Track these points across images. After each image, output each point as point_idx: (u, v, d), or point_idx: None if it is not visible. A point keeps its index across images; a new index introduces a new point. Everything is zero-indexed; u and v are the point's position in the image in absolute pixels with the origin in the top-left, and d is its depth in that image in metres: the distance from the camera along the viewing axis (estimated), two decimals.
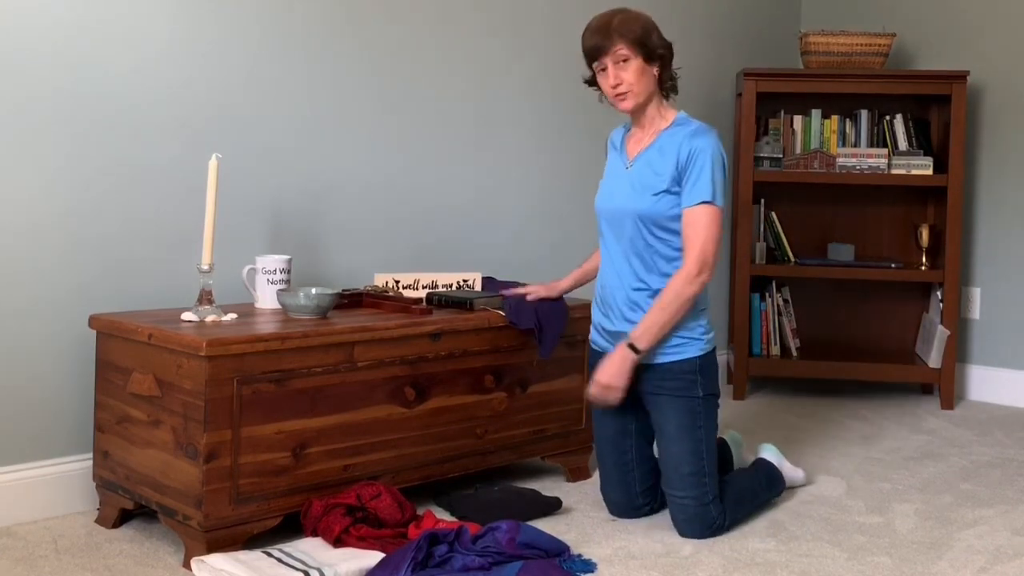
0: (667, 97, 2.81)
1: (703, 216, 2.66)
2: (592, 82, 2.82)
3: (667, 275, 2.71)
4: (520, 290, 3.03)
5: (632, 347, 2.67)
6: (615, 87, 2.71)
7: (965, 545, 2.68)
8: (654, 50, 2.71)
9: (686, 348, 2.72)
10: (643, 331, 2.67)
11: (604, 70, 2.72)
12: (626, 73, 2.69)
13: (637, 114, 2.78)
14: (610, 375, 2.68)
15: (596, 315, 2.88)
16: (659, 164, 2.71)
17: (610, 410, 2.81)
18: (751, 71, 4.30)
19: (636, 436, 2.84)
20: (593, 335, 2.91)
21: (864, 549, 2.64)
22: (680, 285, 2.66)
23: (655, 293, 2.71)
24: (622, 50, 2.68)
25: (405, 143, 3.48)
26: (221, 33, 3.00)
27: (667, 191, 2.69)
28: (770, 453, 3.07)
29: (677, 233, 2.71)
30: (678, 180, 2.69)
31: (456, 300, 2.97)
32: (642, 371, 2.74)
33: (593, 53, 2.72)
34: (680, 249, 2.71)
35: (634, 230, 2.72)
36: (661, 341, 2.70)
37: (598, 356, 2.85)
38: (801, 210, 4.62)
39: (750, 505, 2.84)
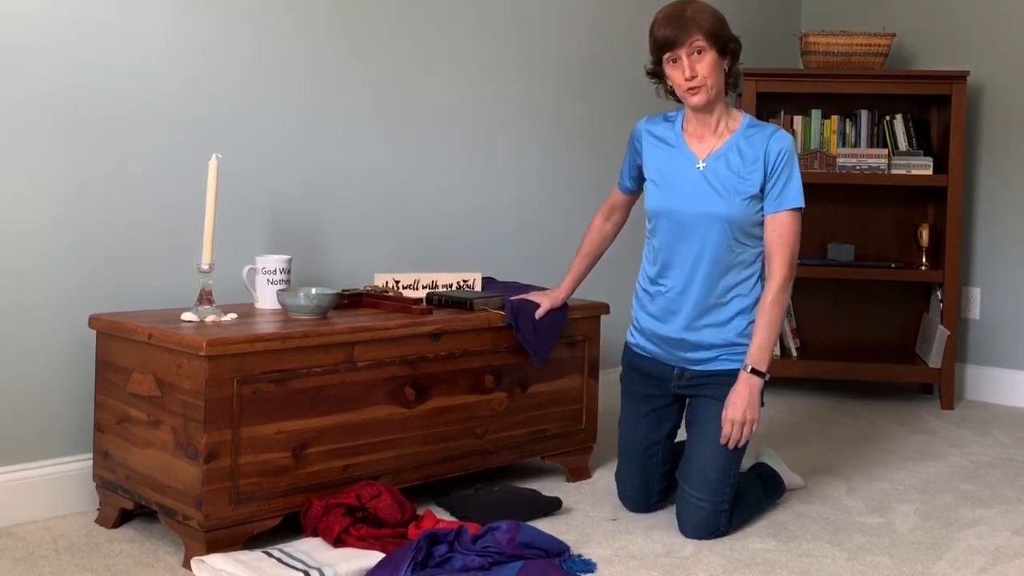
0: (728, 93, 2.74)
1: (793, 223, 2.64)
2: (655, 74, 2.73)
3: (738, 283, 2.68)
4: (529, 296, 2.97)
5: (755, 372, 2.63)
6: (690, 79, 2.62)
7: (965, 545, 2.68)
8: (727, 43, 2.65)
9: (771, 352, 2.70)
10: (760, 352, 2.63)
11: (676, 61, 2.63)
12: (701, 65, 2.61)
13: (705, 110, 2.68)
14: (747, 410, 2.61)
15: (646, 320, 2.79)
16: (741, 167, 2.65)
17: (645, 420, 2.79)
18: (751, 71, 4.30)
19: (666, 441, 2.83)
20: (638, 339, 2.83)
21: (864, 549, 2.64)
22: (779, 296, 2.64)
23: (729, 299, 2.68)
24: (699, 41, 2.60)
25: (405, 143, 3.48)
26: (221, 33, 3.00)
27: (755, 195, 2.64)
28: (770, 458, 3.06)
29: (756, 238, 2.68)
30: (765, 183, 2.64)
31: (456, 300, 2.97)
32: (699, 377, 2.72)
33: (666, 44, 2.62)
34: (755, 255, 2.69)
35: (719, 235, 2.65)
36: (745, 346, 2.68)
37: (642, 361, 2.81)
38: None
39: (750, 512, 2.82)
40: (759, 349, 2.63)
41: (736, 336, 2.70)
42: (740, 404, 2.62)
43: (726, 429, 2.64)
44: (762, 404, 2.68)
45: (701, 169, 2.68)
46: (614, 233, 3.01)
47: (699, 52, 2.61)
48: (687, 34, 2.59)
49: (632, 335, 2.87)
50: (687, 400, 2.83)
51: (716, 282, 2.69)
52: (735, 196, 2.64)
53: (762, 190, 2.65)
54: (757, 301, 2.70)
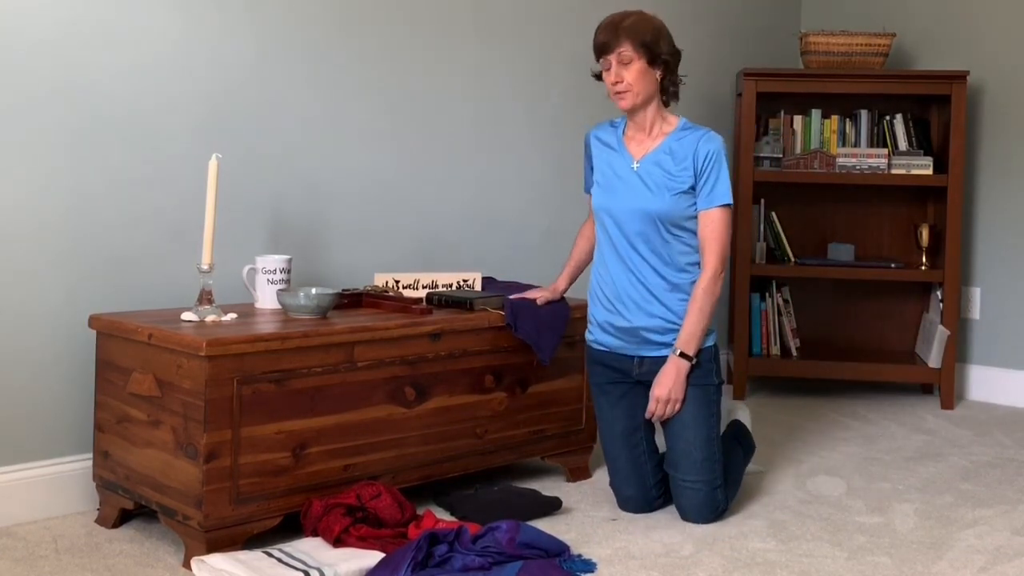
0: (667, 103, 2.89)
1: (723, 218, 2.79)
2: (600, 77, 2.89)
3: (683, 269, 2.81)
4: (528, 294, 3.04)
5: (683, 355, 2.76)
6: (614, 84, 2.80)
7: (965, 545, 2.68)
8: (659, 55, 2.80)
9: (704, 338, 2.82)
10: (689, 337, 2.77)
11: (608, 68, 2.81)
12: (627, 72, 2.78)
13: (635, 114, 2.86)
14: (672, 388, 2.77)
15: (601, 313, 2.90)
16: (672, 165, 2.80)
17: (620, 406, 2.89)
18: (751, 71, 4.30)
19: (645, 429, 2.89)
20: (596, 335, 2.93)
21: (864, 549, 2.64)
22: (711, 285, 2.77)
23: (674, 286, 2.80)
24: (626, 51, 2.77)
25: (405, 143, 3.48)
26: (221, 33, 3.00)
27: (684, 191, 2.78)
28: (744, 414, 3.19)
29: (690, 231, 2.81)
30: (695, 182, 2.78)
31: (456, 300, 2.97)
32: (656, 363, 2.82)
33: (599, 50, 2.82)
34: (691, 245, 2.82)
35: (652, 229, 2.80)
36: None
37: (603, 355, 2.91)
38: (801, 210, 4.62)
39: (739, 481, 2.94)
40: (688, 334, 2.77)
41: (682, 320, 2.81)
42: (667, 383, 2.77)
43: (651, 406, 2.80)
44: (718, 380, 2.84)
45: (636, 169, 2.84)
46: None
47: (628, 61, 2.77)
48: (617, 42, 2.77)
49: (590, 332, 2.96)
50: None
51: (658, 270, 2.81)
52: (665, 192, 2.79)
53: (693, 188, 2.80)
54: None
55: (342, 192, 3.30)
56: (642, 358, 2.85)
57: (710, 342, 2.84)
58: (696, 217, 2.81)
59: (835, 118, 4.47)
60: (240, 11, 3.04)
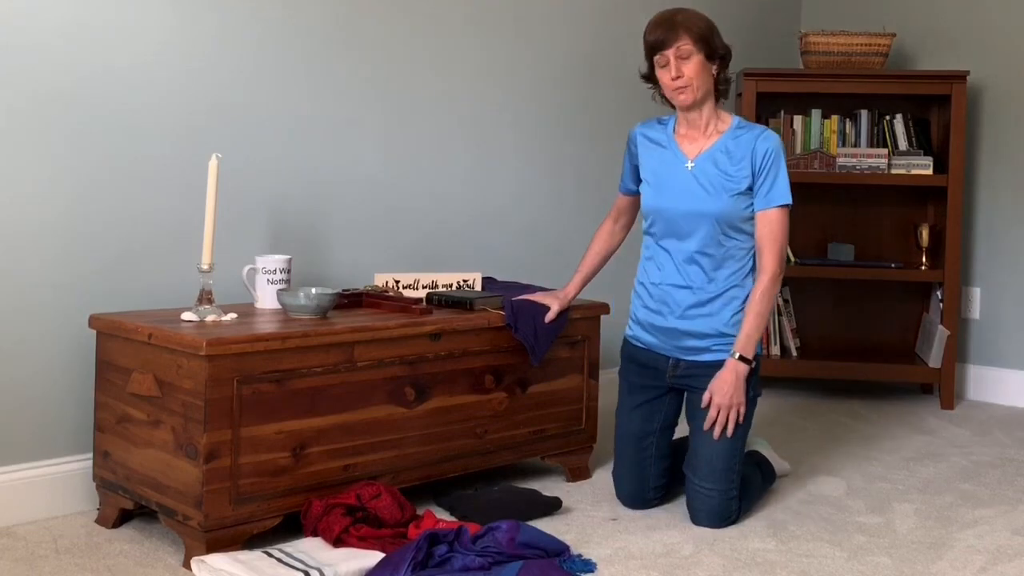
0: (718, 99, 2.85)
1: (781, 219, 2.77)
2: (649, 78, 2.85)
3: (729, 275, 2.78)
4: (535, 297, 2.98)
5: (742, 359, 2.73)
6: (675, 79, 2.74)
7: (965, 545, 2.68)
8: (715, 49, 2.76)
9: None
10: (747, 340, 2.73)
11: (665, 64, 2.75)
12: (687, 67, 2.73)
13: (692, 111, 2.80)
14: (734, 394, 2.71)
15: (643, 312, 2.88)
16: (729, 165, 2.76)
17: (640, 411, 2.87)
18: (751, 71, 4.30)
19: (659, 434, 2.89)
20: (635, 331, 2.91)
21: (864, 549, 2.64)
22: (770, 287, 2.74)
23: (720, 293, 2.77)
24: (686, 44, 2.72)
25: (405, 143, 3.48)
26: (221, 33, 3.00)
27: (742, 192, 2.75)
28: (762, 446, 3.14)
29: (746, 233, 2.78)
30: (753, 182, 2.75)
31: (456, 300, 2.97)
32: (693, 368, 2.80)
33: (656, 46, 2.75)
34: (744, 248, 2.79)
35: (706, 231, 2.76)
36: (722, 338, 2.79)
37: (639, 352, 2.89)
38: (801, 210, 4.60)
39: (754, 499, 2.91)
40: (747, 337, 2.73)
41: (727, 327, 2.79)
42: (727, 389, 2.71)
43: (711, 414, 2.73)
44: (755, 393, 2.78)
45: (690, 168, 2.79)
46: (623, 235, 3.09)
47: (686, 54, 2.72)
48: (675, 36, 2.72)
49: (630, 328, 2.95)
50: (684, 395, 2.90)
51: (709, 275, 2.78)
52: (723, 193, 2.75)
53: (750, 188, 2.76)
54: (748, 293, 2.79)
55: (342, 192, 3.30)
56: (678, 361, 2.82)
57: (757, 351, 2.80)
58: (752, 218, 2.78)
59: (835, 118, 4.47)
60: (240, 11, 3.04)
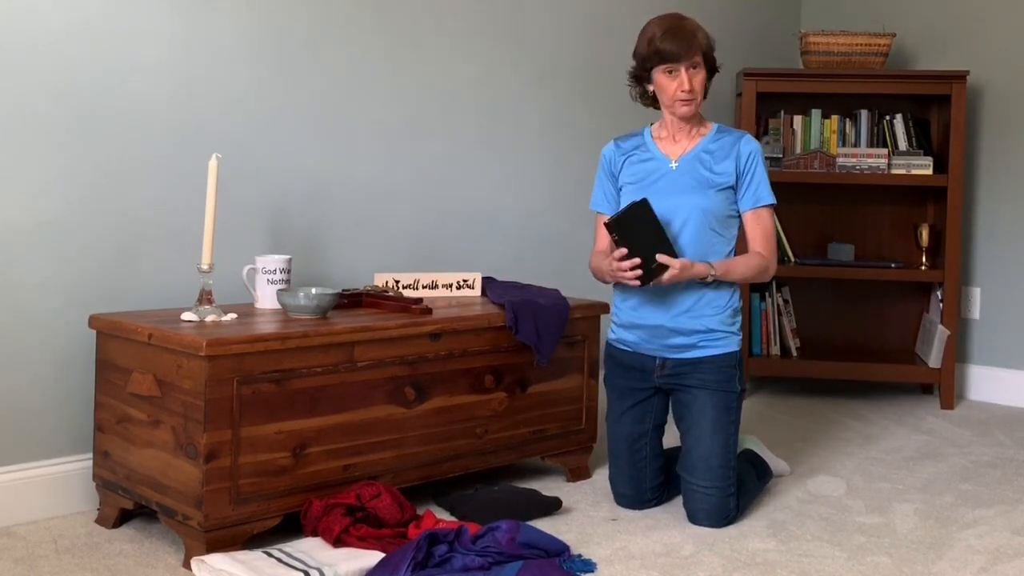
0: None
1: (769, 217, 2.86)
2: (640, 79, 2.86)
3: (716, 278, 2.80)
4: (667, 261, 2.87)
5: (710, 272, 2.74)
6: (688, 92, 2.78)
7: (965, 545, 2.68)
8: (715, 63, 2.85)
9: (728, 342, 2.84)
10: (724, 265, 2.78)
11: (673, 73, 2.78)
12: (696, 81, 2.80)
13: (687, 119, 2.85)
14: (683, 270, 2.68)
15: (627, 313, 2.87)
16: (714, 164, 2.82)
17: (630, 413, 2.88)
18: (751, 71, 4.30)
19: (652, 434, 2.90)
20: (619, 334, 2.91)
21: (864, 549, 2.64)
22: (762, 262, 2.83)
23: (704, 293, 2.80)
24: (698, 59, 2.79)
25: (405, 143, 3.48)
26: (222, 33, 3.00)
27: (725, 188, 2.81)
28: (754, 444, 3.16)
29: (731, 231, 2.85)
30: (737, 182, 2.82)
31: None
32: (680, 366, 2.81)
33: (670, 57, 2.76)
34: (730, 247, 2.85)
35: (696, 224, 2.79)
36: (693, 335, 2.80)
37: (624, 355, 2.89)
38: (801, 210, 4.62)
39: (749, 496, 2.91)
40: (725, 267, 2.78)
41: (714, 323, 2.81)
42: (683, 276, 2.69)
43: (670, 273, 2.67)
44: (741, 387, 2.83)
45: (674, 168, 2.84)
46: None
47: (695, 68, 2.79)
48: (692, 50, 2.77)
49: (613, 331, 2.95)
50: (671, 396, 2.90)
51: None
52: (708, 188, 2.81)
53: (732, 188, 2.83)
54: (732, 291, 2.85)
55: (342, 192, 3.30)
56: (664, 360, 2.83)
57: (735, 347, 2.83)
58: (735, 216, 2.85)
59: (835, 118, 4.47)
60: (241, 11, 3.04)
